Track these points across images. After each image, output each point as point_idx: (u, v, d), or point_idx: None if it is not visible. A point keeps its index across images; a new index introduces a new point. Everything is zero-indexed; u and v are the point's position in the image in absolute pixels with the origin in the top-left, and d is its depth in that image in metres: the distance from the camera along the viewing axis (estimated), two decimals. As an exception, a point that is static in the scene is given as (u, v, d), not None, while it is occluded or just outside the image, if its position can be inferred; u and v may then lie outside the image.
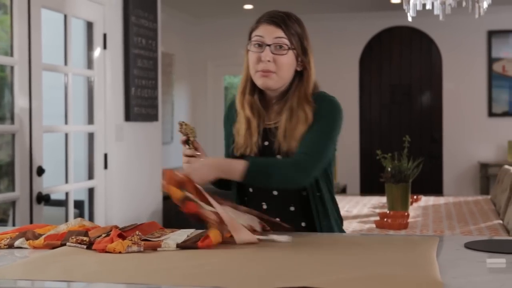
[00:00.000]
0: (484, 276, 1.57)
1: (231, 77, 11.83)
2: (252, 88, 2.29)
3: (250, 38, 2.27)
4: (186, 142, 2.20)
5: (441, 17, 3.88)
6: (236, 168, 2.09)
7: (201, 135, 10.19)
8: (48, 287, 1.54)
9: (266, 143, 2.28)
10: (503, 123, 8.89)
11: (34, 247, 1.96)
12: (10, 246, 1.98)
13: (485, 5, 3.63)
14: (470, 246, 1.91)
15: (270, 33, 2.21)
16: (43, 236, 2.00)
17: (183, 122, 2.22)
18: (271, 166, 2.13)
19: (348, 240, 2.08)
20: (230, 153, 2.37)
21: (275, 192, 2.29)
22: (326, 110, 2.22)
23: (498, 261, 1.68)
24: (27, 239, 2.00)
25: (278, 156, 2.23)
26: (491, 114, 8.93)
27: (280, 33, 2.21)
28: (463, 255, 1.84)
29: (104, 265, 1.68)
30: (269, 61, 2.19)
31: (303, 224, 2.29)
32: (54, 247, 1.94)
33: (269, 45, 2.20)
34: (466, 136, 8.99)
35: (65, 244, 1.90)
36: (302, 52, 2.25)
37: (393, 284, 1.43)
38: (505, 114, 8.90)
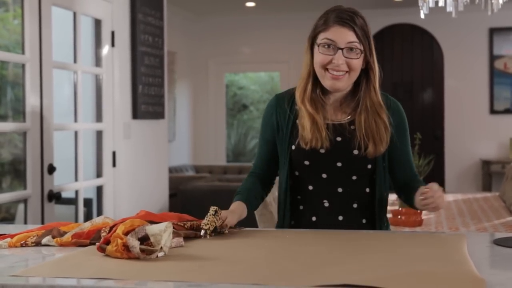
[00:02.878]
0: (521, 272, 1.57)
1: (232, 74, 11.82)
2: (314, 85, 2.28)
3: (315, 37, 2.25)
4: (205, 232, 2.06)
5: (453, 14, 3.87)
6: None
7: (201, 134, 10.20)
8: (83, 285, 1.54)
9: (339, 138, 2.27)
10: (505, 120, 8.90)
11: (62, 245, 1.95)
12: (37, 243, 1.97)
13: (500, 0, 3.62)
14: (500, 243, 1.91)
15: (343, 37, 2.19)
16: (69, 234, 1.99)
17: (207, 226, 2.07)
18: None
19: (376, 236, 2.07)
20: (287, 146, 2.31)
21: (339, 189, 2.28)
22: (405, 122, 2.37)
23: (532, 257, 1.68)
24: (53, 237, 1.99)
25: (355, 152, 2.25)
26: (492, 111, 8.94)
27: (352, 36, 2.19)
28: (494, 252, 1.84)
29: (138, 263, 1.67)
30: (341, 63, 2.19)
31: (363, 221, 2.31)
32: (82, 245, 1.94)
33: (341, 49, 2.19)
34: (468, 134, 9.00)
35: (94, 243, 1.89)
36: (369, 52, 2.25)
37: (435, 281, 1.43)
38: (506, 111, 8.92)
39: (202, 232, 2.02)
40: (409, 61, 9.16)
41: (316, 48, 2.25)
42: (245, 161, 11.99)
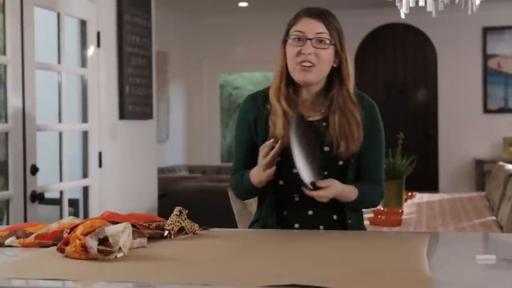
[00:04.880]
0: (474, 272, 1.58)
1: (227, 75, 11.82)
2: (287, 82, 2.30)
3: (287, 33, 2.29)
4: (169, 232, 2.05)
5: (433, 14, 3.88)
6: (353, 195, 2.25)
7: (196, 134, 10.19)
8: (40, 286, 1.54)
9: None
10: (498, 119, 8.90)
11: (24, 246, 1.95)
12: (1, 245, 1.97)
13: (477, 1, 3.64)
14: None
15: (312, 28, 2.23)
16: (33, 235, 2.00)
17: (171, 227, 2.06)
18: (371, 196, 2.34)
19: (338, 237, 2.08)
20: (261, 143, 2.29)
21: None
22: (378, 123, 2.36)
23: (488, 257, 1.68)
24: (18, 238, 1.99)
25: (326, 148, 2.26)
26: (486, 110, 8.93)
27: (321, 27, 2.24)
28: (453, 251, 1.85)
29: (95, 264, 1.68)
30: (310, 54, 2.21)
31: (334, 216, 2.31)
32: (45, 246, 1.94)
33: (310, 39, 2.22)
34: (462, 133, 8.99)
35: (56, 244, 1.89)
36: (340, 48, 2.27)
37: (382, 281, 1.43)
38: (500, 110, 8.91)
39: (166, 232, 2.03)
40: (402, 60, 9.16)
41: (287, 43, 2.28)
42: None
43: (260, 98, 2.38)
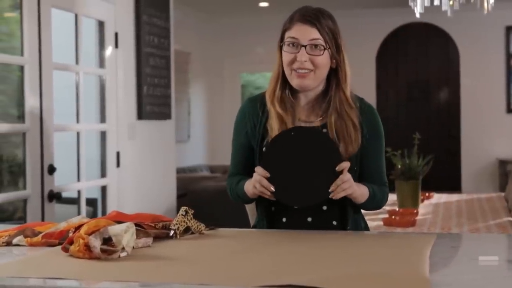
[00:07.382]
0: (474, 274, 1.56)
1: (248, 74, 11.84)
2: (283, 85, 2.29)
3: (282, 37, 2.26)
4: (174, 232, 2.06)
5: (449, 13, 3.86)
6: (366, 193, 2.24)
7: (217, 134, 10.21)
8: (42, 285, 1.56)
9: None
10: (522, 119, 8.82)
11: (32, 245, 1.97)
12: (8, 243, 2.00)
13: (491, 0, 3.61)
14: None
15: (305, 34, 2.20)
16: (41, 234, 2.02)
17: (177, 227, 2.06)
18: (379, 197, 2.31)
19: (343, 237, 2.08)
20: (258, 148, 2.31)
21: None
22: (379, 126, 2.33)
23: (490, 258, 1.67)
24: (26, 237, 2.01)
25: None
26: (509, 110, 8.85)
27: (315, 33, 2.20)
28: (458, 252, 1.84)
29: (99, 263, 1.69)
30: (305, 61, 2.20)
31: (334, 222, 2.28)
32: (52, 245, 1.96)
33: (304, 46, 2.20)
34: (484, 133, 8.91)
35: (62, 243, 1.91)
36: (336, 49, 2.25)
37: (378, 281, 1.43)
38: (524, 110, 8.82)
39: (171, 232, 2.04)
40: (424, 60, 9.10)
41: (282, 49, 2.26)
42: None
43: (259, 101, 2.37)
